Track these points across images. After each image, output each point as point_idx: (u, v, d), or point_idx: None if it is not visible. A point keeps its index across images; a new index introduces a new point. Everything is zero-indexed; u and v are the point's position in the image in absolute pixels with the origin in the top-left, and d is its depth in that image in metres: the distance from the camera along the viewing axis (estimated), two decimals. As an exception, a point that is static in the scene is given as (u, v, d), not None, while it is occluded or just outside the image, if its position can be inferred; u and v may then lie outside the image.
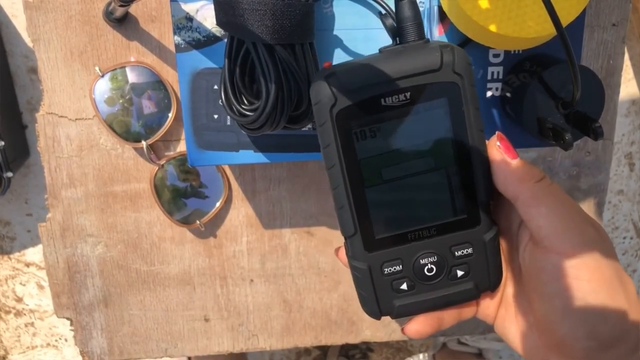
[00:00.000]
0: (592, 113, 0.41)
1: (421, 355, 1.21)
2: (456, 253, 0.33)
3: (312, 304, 0.58)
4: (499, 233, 0.34)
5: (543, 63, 0.41)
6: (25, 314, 1.16)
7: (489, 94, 0.43)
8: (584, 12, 0.40)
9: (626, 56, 1.14)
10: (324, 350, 1.22)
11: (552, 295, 0.30)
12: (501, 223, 0.35)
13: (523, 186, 0.31)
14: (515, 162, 0.32)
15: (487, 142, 0.33)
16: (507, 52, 0.43)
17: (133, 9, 0.49)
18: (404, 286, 0.33)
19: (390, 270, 0.33)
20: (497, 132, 0.33)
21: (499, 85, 0.43)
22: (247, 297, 0.57)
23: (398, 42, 0.33)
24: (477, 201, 0.32)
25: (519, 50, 0.43)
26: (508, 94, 0.43)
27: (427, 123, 0.31)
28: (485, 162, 0.32)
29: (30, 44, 0.95)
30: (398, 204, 0.33)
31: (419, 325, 0.34)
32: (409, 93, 0.31)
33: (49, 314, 1.16)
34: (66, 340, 1.19)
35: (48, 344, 1.19)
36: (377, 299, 0.34)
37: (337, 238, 0.56)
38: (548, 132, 0.40)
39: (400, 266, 0.33)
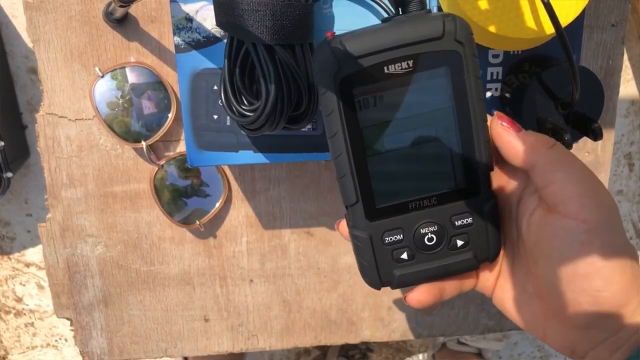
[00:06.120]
0: (592, 113, 0.41)
1: (421, 356, 1.21)
2: (456, 223, 0.33)
3: (311, 304, 0.58)
4: (497, 204, 0.34)
5: (542, 63, 0.41)
6: (25, 314, 1.16)
7: (488, 94, 0.43)
8: (583, 13, 0.40)
9: (625, 57, 1.14)
10: (323, 350, 1.22)
11: (560, 259, 0.30)
12: (498, 196, 0.35)
13: (538, 153, 0.31)
14: (524, 133, 0.32)
15: (490, 122, 0.33)
16: (506, 53, 0.43)
17: (133, 9, 0.49)
18: (405, 255, 0.34)
19: (391, 239, 0.33)
20: (495, 112, 0.34)
21: (499, 85, 0.43)
22: (246, 297, 0.57)
23: (400, 12, 0.33)
24: (477, 171, 0.33)
25: (518, 51, 0.43)
26: (507, 95, 0.43)
27: (429, 92, 0.32)
28: (486, 132, 0.33)
29: (30, 45, 0.95)
30: (399, 173, 0.33)
31: (421, 294, 0.34)
32: (411, 61, 0.31)
33: (48, 314, 1.16)
34: (66, 340, 1.19)
35: (48, 344, 1.19)
36: (377, 268, 0.34)
37: (336, 238, 0.56)
38: (547, 133, 0.40)
39: (401, 235, 0.33)
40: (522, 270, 0.34)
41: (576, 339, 0.31)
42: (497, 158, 0.34)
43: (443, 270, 0.34)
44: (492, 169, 0.33)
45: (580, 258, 0.30)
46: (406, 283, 0.34)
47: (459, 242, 0.34)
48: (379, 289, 0.35)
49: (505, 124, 0.33)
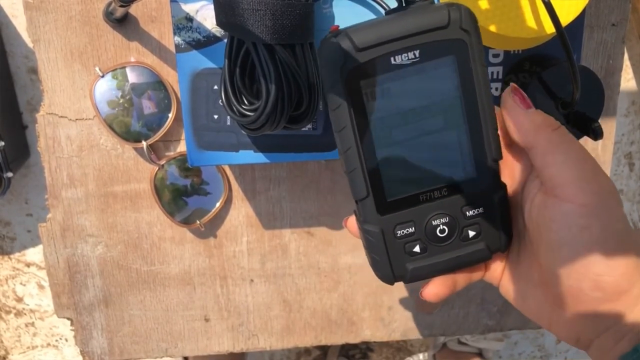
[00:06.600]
0: (592, 113, 0.41)
1: (421, 355, 1.21)
2: (467, 213, 0.33)
3: (312, 303, 0.58)
4: (507, 192, 0.34)
5: (542, 63, 0.41)
6: (25, 314, 1.16)
7: (488, 94, 0.43)
8: (583, 12, 0.40)
9: (626, 56, 1.14)
10: (324, 350, 1.22)
11: (560, 244, 0.30)
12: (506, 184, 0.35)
13: (540, 134, 0.31)
14: (532, 111, 0.32)
15: (502, 94, 0.33)
16: (506, 52, 0.43)
17: (133, 9, 0.49)
18: (417, 248, 0.33)
19: (402, 232, 0.33)
20: (511, 84, 0.33)
21: (499, 85, 0.43)
22: (247, 297, 0.57)
23: (404, 3, 0.33)
24: (486, 161, 0.33)
25: (518, 50, 0.43)
26: (508, 94, 0.43)
27: (436, 81, 0.31)
28: (494, 121, 0.32)
29: (30, 45, 0.95)
30: (409, 165, 0.33)
31: (437, 287, 0.34)
32: (417, 51, 0.31)
33: (49, 314, 1.16)
34: (66, 340, 1.19)
35: (48, 344, 1.19)
36: (390, 262, 0.33)
37: (337, 238, 0.56)
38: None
39: (413, 228, 0.33)
40: (527, 258, 0.34)
41: (580, 328, 0.31)
42: (505, 139, 0.34)
43: (456, 262, 0.34)
44: (501, 158, 0.33)
45: (579, 243, 0.29)
46: (420, 277, 0.34)
47: (471, 233, 0.33)
48: (392, 283, 0.34)
49: (516, 97, 0.32)
